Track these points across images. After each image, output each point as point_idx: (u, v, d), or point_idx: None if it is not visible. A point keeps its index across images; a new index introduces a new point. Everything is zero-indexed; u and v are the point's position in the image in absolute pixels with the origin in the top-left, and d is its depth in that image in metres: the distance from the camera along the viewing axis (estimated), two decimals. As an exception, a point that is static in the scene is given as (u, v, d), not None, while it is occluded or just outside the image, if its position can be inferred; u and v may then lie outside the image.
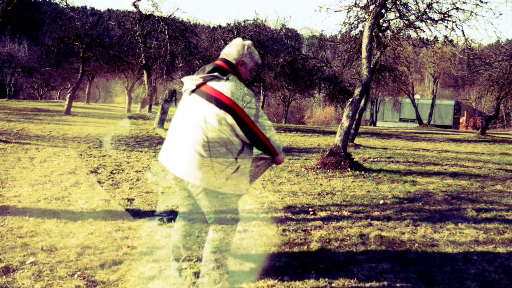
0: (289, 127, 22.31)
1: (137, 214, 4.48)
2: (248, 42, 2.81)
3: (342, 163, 7.83)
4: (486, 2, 9.21)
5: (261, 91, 24.87)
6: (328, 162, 7.86)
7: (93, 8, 60.15)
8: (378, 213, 4.88)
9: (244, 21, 18.44)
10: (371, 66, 8.85)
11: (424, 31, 11.09)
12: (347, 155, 8.15)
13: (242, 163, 2.61)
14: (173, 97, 14.01)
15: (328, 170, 7.68)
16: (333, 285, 2.94)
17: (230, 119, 2.53)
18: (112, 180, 6.06)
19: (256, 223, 4.24)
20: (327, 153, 8.14)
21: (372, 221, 4.49)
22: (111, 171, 6.69)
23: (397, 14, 10.68)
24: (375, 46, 11.18)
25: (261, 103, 25.46)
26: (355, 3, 10.72)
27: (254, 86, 22.38)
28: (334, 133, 8.40)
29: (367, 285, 2.97)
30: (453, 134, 24.56)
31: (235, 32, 17.39)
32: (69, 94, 20.22)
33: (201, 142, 2.53)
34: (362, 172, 7.69)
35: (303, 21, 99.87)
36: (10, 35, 33.08)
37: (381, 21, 11.09)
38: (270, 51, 18.01)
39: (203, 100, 2.58)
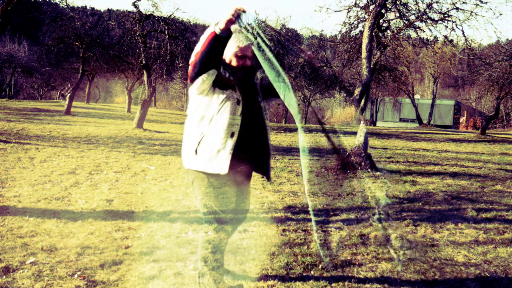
0: (309, 127, 22.33)
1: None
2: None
3: (363, 163, 7.82)
4: (486, 2, 9.20)
5: None
6: (349, 163, 7.85)
7: (93, 8, 60.15)
8: (378, 213, 4.88)
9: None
10: (371, 66, 8.84)
11: (424, 31, 11.05)
12: (367, 155, 8.14)
13: (210, 135, 2.53)
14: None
15: (348, 171, 7.66)
16: (333, 285, 2.94)
17: (192, 87, 2.53)
18: (91, 181, 6.02)
19: (256, 223, 4.24)
20: (347, 153, 8.12)
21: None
22: (89, 171, 6.66)
23: (397, 14, 10.67)
24: (375, 46, 11.17)
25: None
26: (355, 3, 10.72)
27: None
28: (354, 133, 8.41)
29: (367, 285, 2.97)
30: (453, 134, 24.56)
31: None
32: (69, 94, 20.22)
33: (188, 128, 2.66)
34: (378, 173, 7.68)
35: (303, 21, 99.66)
36: (10, 35, 33.11)
37: (381, 21, 11.08)
38: (291, 52, 17.90)
39: None
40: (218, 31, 2.28)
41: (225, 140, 2.52)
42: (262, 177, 2.82)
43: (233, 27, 2.36)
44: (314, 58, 2.56)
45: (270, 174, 2.78)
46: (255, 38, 2.40)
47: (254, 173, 2.83)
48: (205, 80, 2.45)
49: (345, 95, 22.10)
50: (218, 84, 2.51)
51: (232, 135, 2.52)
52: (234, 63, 2.64)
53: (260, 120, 2.69)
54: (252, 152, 2.67)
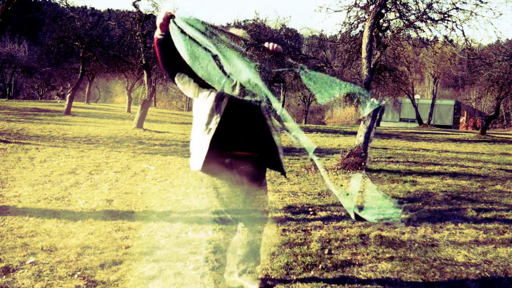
0: (309, 127, 22.32)
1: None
2: None
3: (363, 163, 7.82)
4: (486, 2, 9.19)
5: (281, 91, 24.95)
6: (349, 163, 7.85)
7: (93, 8, 60.07)
8: (378, 213, 4.88)
9: (244, 21, 18.41)
10: (371, 66, 8.84)
11: (424, 31, 11.03)
12: (367, 155, 8.14)
13: (197, 133, 2.59)
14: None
15: (348, 171, 7.66)
16: (333, 285, 2.94)
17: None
18: (91, 181, 6.02)
19: (256, 223, 4.24)
20: (347, 153, 8.12)
21: (372, 221, 4.48)
22: (89, 171, 6.65)
23: (397, 14, 10.66)
24: (375, 46, 11.16)
25: (281, 103, 25.70)
26: (355, 3, 10.71)
27: (274, 86, 22.39)
28: (354, 133, 8.43)
29: (367, 285, 2.97)
30: (453, 134, 24.55)
31: (235, 32, 17.32)
32: (69, 94, 20.21)
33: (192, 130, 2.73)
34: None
35: (303, 21, 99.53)
36: (10, 35, 33.14)
37: (381, 21, 11.07)
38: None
39: None
40: (158, 36, 2.41)
41: (202, 136, 2.56)
42: (281, 175, 2.87)
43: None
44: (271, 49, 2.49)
45: (284, 169, 2.83)
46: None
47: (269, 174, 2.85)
48: (183, 86, 2.55)
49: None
50: (202, 85, 2.56)
51: (209, 131, 2.54)
52: None
53: (259, 119, 2.69)
54: (253, 151, 2.67)
